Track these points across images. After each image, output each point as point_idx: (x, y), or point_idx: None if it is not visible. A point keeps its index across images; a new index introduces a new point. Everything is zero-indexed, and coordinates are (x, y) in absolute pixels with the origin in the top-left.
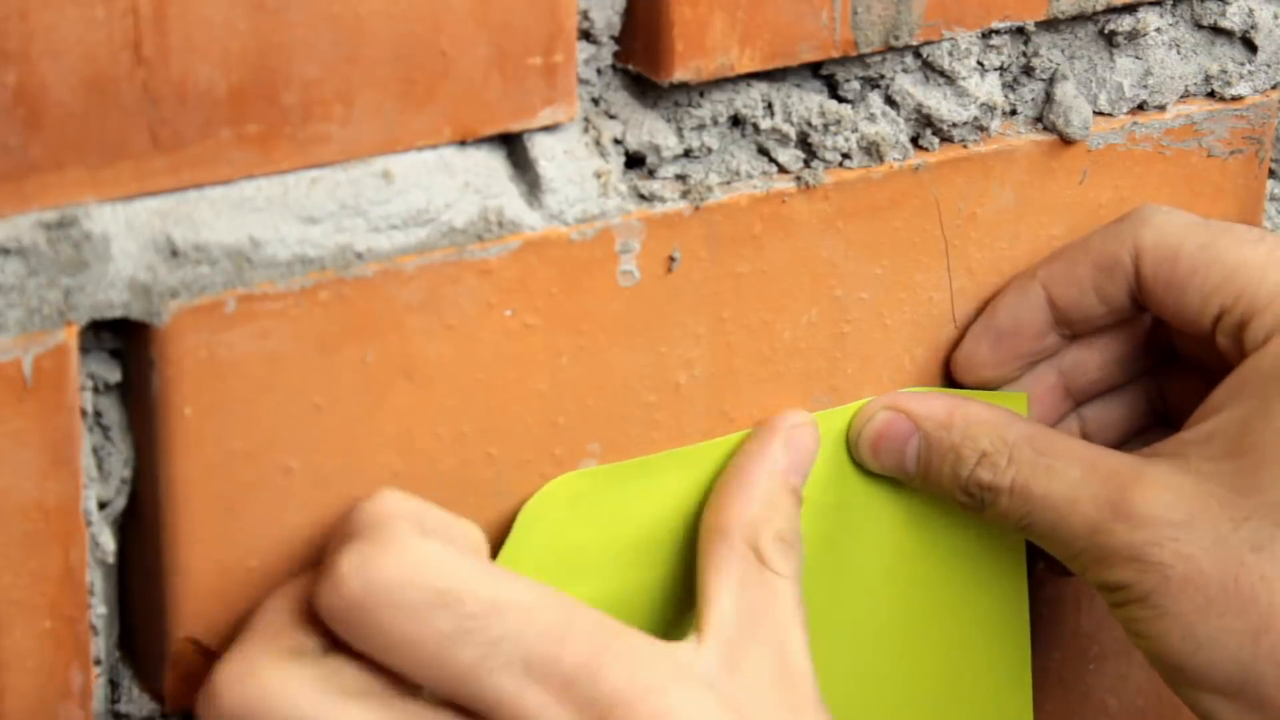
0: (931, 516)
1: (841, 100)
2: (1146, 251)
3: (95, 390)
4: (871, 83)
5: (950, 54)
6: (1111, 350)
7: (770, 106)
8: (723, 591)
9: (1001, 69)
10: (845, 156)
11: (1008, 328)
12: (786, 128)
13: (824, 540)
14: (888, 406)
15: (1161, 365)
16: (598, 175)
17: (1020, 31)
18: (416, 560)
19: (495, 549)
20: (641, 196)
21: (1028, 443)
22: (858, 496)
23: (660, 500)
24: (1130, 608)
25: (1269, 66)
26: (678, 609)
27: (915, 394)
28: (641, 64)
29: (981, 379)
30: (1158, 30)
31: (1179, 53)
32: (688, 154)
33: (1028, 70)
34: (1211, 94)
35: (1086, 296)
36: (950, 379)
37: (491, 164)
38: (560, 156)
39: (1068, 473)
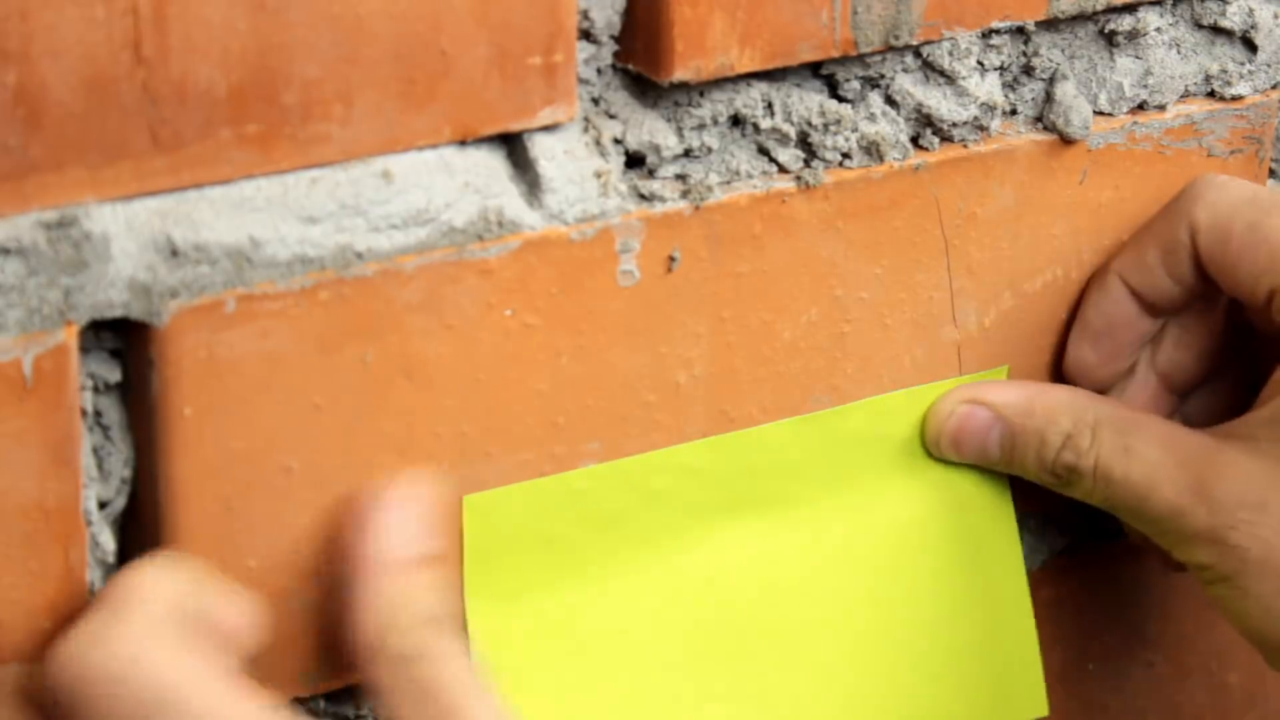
0: (926, 516)
1: (841, 100)
2: (1201, 231)
3: (95, 390)
4: (871, 82)
5: (950, 54)
6: (1201, 336)
7: (770, 106)
8: (401, 710)
9: (1001, 69)
10: (845, 156)
11: (1101, 326)
12: (786, 127)
13: (816, 549)
14: (966, 400)
15: (1248, 344)
16: (598, 175)
17: (1020, 31)
18: (143, 650)
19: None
20: (641, 196)
21: (1108, 423)
22: (852, 499)
23: (624, 508)
24: (1215, 586)
25: (1269, 66)
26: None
27: (990, 384)
28: (641, 64)
29: (1095, 381)
30: (1158, 30)
31: (1179, 52)
32: (688, 154)
33: (1028, 70)
34: (1211, 94)
35: (1161, 279)
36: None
37: (491, 164)
38: (560, 156)
39: (1147, 454)
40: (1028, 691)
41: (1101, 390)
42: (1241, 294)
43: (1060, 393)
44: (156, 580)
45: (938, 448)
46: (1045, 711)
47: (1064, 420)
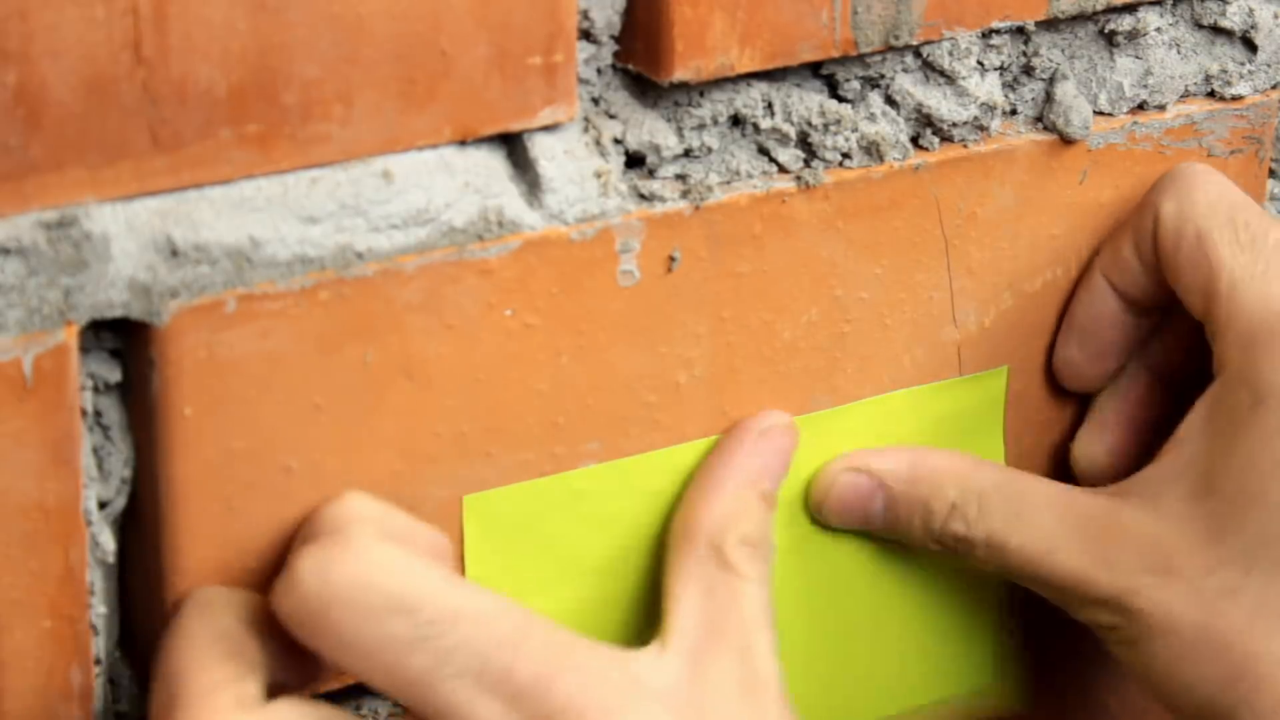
0: None
1: (841, 100)
2: (1161, 222)
3: (95, 390)
4: (871, 82)
5: (950, 54)
6: (1190, 332)
7: (770, 106)
8: (685, 597)
9: (1001, 69)
10: (845, 156)
11: (1086, 324)
12: (786, 127)
13: (806, 536)
14: (848, 468)
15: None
16: (598, 175)
17: (1020, 31)
18: (374, 564)
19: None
20: (641, 196)
21: (996, 491)
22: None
23: (624, 508)
24: (1119, 648)
25: (1269, 66)
26: (645, 615)
27: (874, 451)
28: (641, 64)
29: (1084, 381)
30: (1158, 30)
31: (1179, 52)
32: (688, 154)
33: (1028, 70)
34: (1211, 94)
35: (1137, 273)
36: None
37: (491, 164)
38: (560, 156)
39: (1041, 521)
40: (1005, 684)
41: (1093, 389)
42: (1185, 301)
43: (945, 459)
44: (360, 506)
45: (820, 514)
46: (1020, 706)
47: (949, 489)
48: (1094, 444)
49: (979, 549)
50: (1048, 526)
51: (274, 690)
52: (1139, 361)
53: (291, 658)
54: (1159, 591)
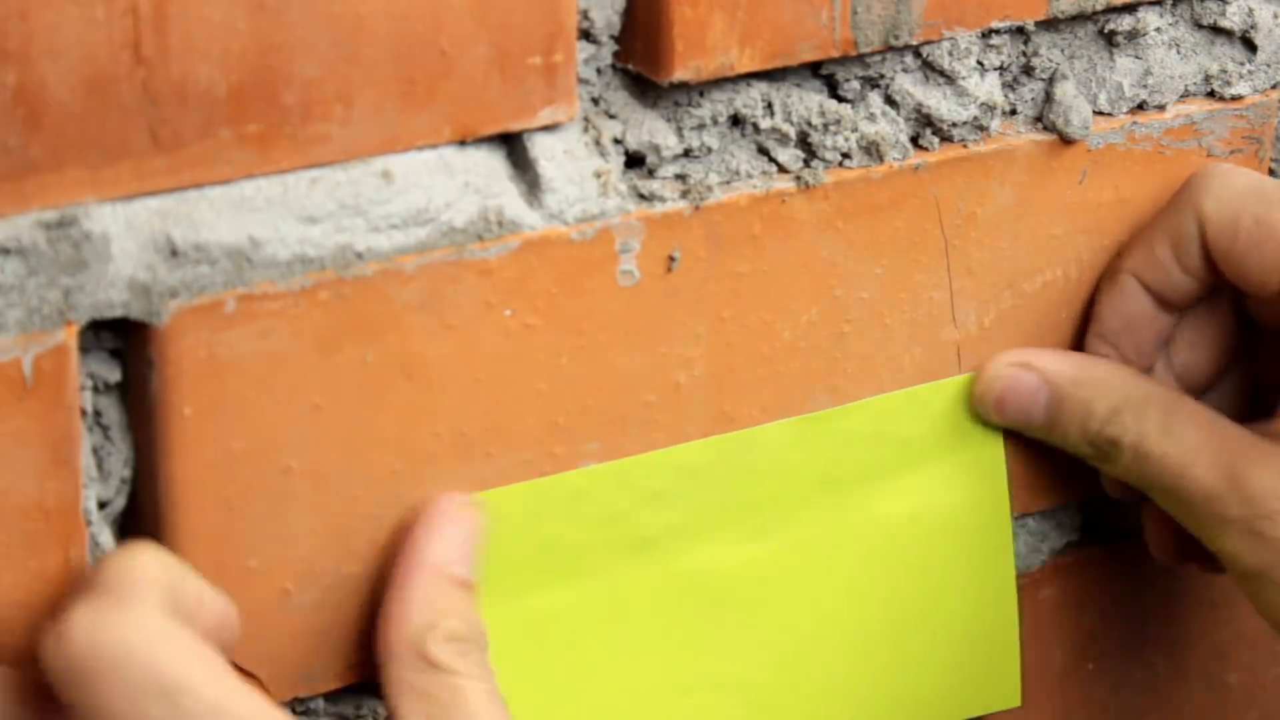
0: (922, 514)
1: (841, 100)
2: (1209, 222)
3: (95, 390)
4: (871, 82)
5: (950, 54)
6: (1211, 333)
7: (770, 106)
8: (412, 712)
9: (1001, 69)
10: (845, 156)
11: (1118, 326)
12: (786, 127)
13: (814, 548)
14: (1015, 363)
15: (1255, 342)
16: (597, 175)
17: (1020, 31)
18: (148, 637)
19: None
20: (641, 196)
21: (1155, 402)
22: (851, 498)
23: (624, 508)
24: (1247, 579)
25: (1269, 66)
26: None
27: (1041, 350)
28: (641, 64)
29: None
30: (1157, 30)
31: (1179, 52)
32: (688, 154)
33: (1028, 70)
34: (1211, 94)
35: (1174, 274)
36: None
37: (491, 164)
38: (560, 156)
39: (1187, 436)
40: (1003, 683)
41: None
42: (1251, 288)
43: (1110, 367)
44: (152, 566)
45: (982, 407)
46: (1018, 703)
47: (1113, 394)
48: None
49: (1126, 454)
50: (1192, 442)
51: None
52: (1164, 365)
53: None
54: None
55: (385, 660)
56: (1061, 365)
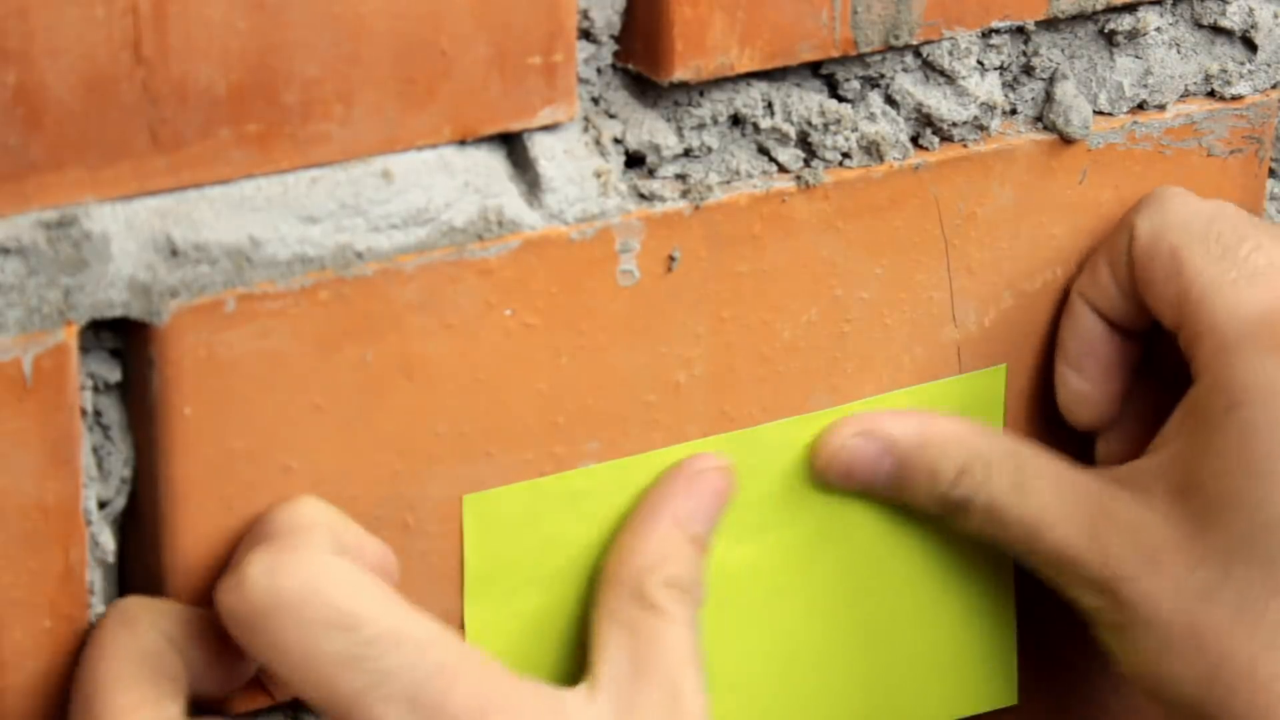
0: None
1: (841, 100)
2: (1135, 243)
3: (95, 390)
4: (871, 82)
5: (950, 53)
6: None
7: (770, 106)
8: (611, 639)
9: (1001, 68)
10: (845, 156)
11: (1077, 350)
12: (786, 127)
13: (813, 547)
14: (858, 433)
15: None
16: (598, 175)
17: (1020, 31)
18: (322, 575)
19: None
20: (641, 196)
21: (1002, 459)
22: (851, 498)
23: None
24: (1104, 631)
25: (1269, 66)
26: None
27: (883, 413)
28: (641, 63)
29: (1096, 412)
30: (1158, 30)
31: (1179, 52)
32: (688, 153)
33: (1028, 70)
34: (1211, 93)
35: (1115, 297)
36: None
37: (491, 163)
38: (560, 156)
39: (1041, 493)
40: (1000, 681)
41: (1107, 423)
42: (1158, 315)
43: (953, 424)
44: (316, 513)
45: (824, 477)
46: (1015, 700)
47: (957, 452)
48: (1116, 444)
49: (978, 515)
50: (1047, 501)
51: (197, 704)
52: (1144, 378)
53: (217, 669)
54: (1145, 582)
55: (606, 585)
56: (904, 428)
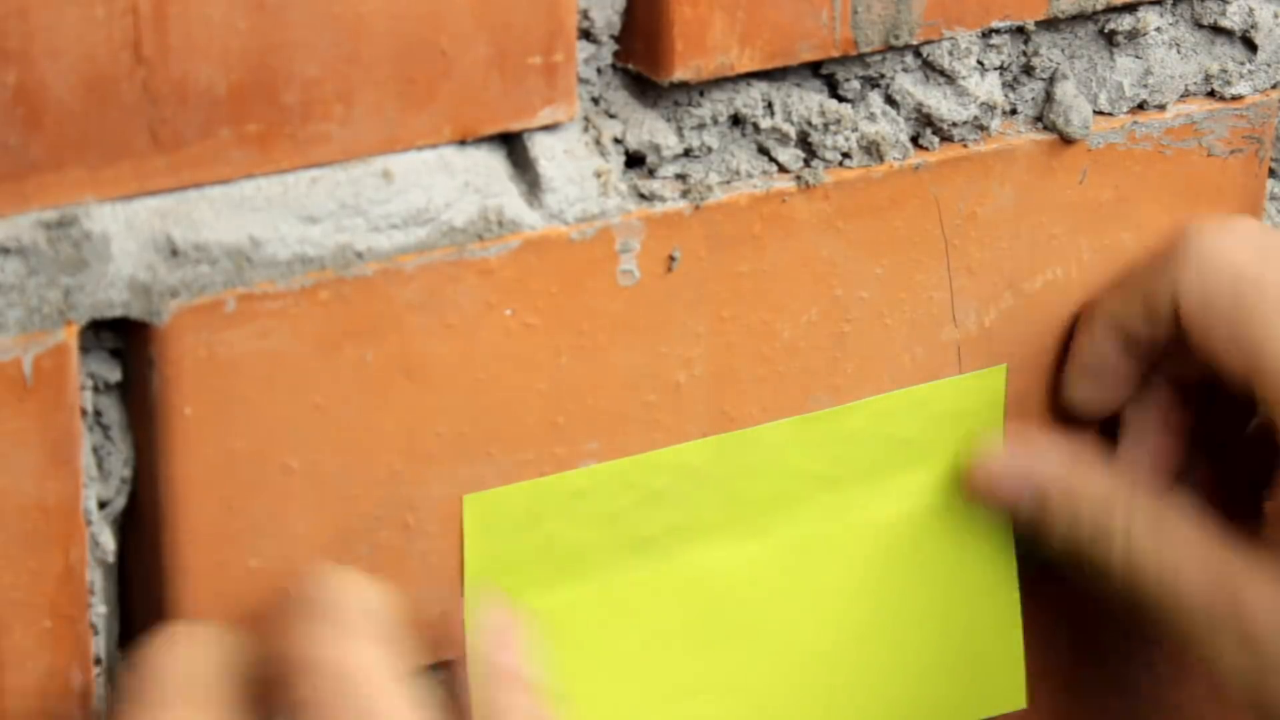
0: (923, 514)
1: (841, 100)
2: (1185, 299)
3: (95, 390)
4: (871, 82)
5: (950, 53)
6: (1181, 417)
7: (770, 106)
8: None
9: (1001, 68)
10: (845, 156)
11: (1095, 363)
12: (786, 127)
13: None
14: (1011, 462)
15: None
16: (598, 175)
17: (1020, 31)
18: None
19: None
20: (641, 196)
21: (1141, 520)
22: (852, 498)
23: (624, 508)
24: (1240, 687)
25: (1269, 66)
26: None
27: (1035, 447)
28: (641, 63)
29: (1101, 411)
30: (1158, 30)
31: (1179, 52)
32: (688, 153)
33: (1028, 70)
34: (1211, 93)
35: (1149, 330)
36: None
37: (491, 163)
38: (560, 156)
39: (1177, 559)
40: (1008, 685)
41: (1110, 414)
42: (1227, 380)
43: (1098, 478)
44: (364, 596)
45: (971, 492)
46: (1024, 704)
47: (1099, 511)
48: (1138, 454)
49: (1115, 570)
50: (1183, 566)
51: None
52: (1161, 373)
53: (264, 700)
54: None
55: None
56: (1054, 471)
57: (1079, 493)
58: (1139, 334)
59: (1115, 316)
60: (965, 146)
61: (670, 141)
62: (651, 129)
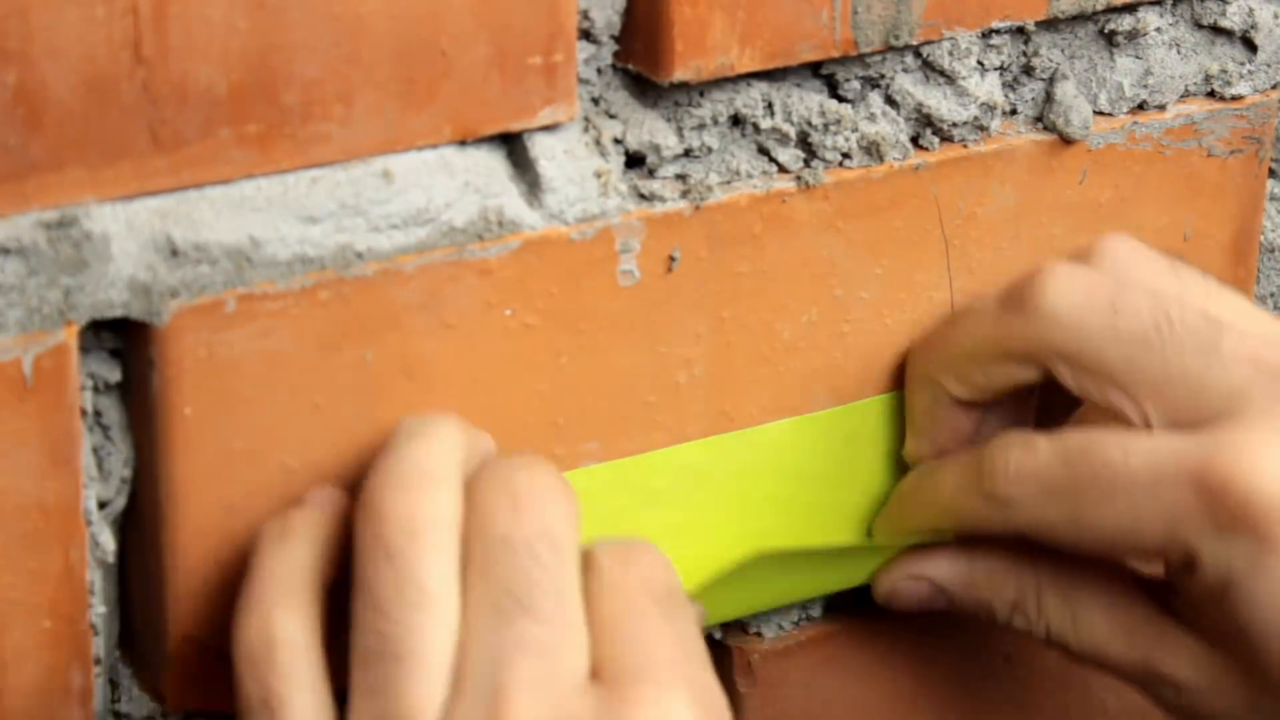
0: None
1: (842, 100)
2: (1060, 357)
3: (95, 390)
4: (871, 82)
5: (950, 54)
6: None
7: (770, 106)
8: None
9: (1001, 69)
10: (845, 156)
11: (929, 427)
12: (786, 127)
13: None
14: (908, 577)
15: None
16: (598, 175)
17: (1020, 31)
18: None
19: None
20: (641, 196)
21: (1052, 589)
22: (851, 498)
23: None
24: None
25: (1269, 66)
26: None
27: (928, 554)
28: (641, 64)
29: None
30: (1158, 30)
31: (1179, 52)
32: (688, 154)
33: (1028, 70)
34: (1211, 93)
35: (990, 383)
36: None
37: (491, 164)
38: (560, 156)
39: (1094, 625)
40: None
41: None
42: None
43: (998, 561)
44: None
45: (881, 600)
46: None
47: (1007, 589)
48: (921, 448)
49: (1044, 638)
50: (1101, 632)
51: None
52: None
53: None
54: (1209, 704)
55: None
56: (950, 571)
57: (982, 584)
58: (982, 387)
59: (954, 383)
60: (965, 147)
61: (670, 142)
62: (651, 129)
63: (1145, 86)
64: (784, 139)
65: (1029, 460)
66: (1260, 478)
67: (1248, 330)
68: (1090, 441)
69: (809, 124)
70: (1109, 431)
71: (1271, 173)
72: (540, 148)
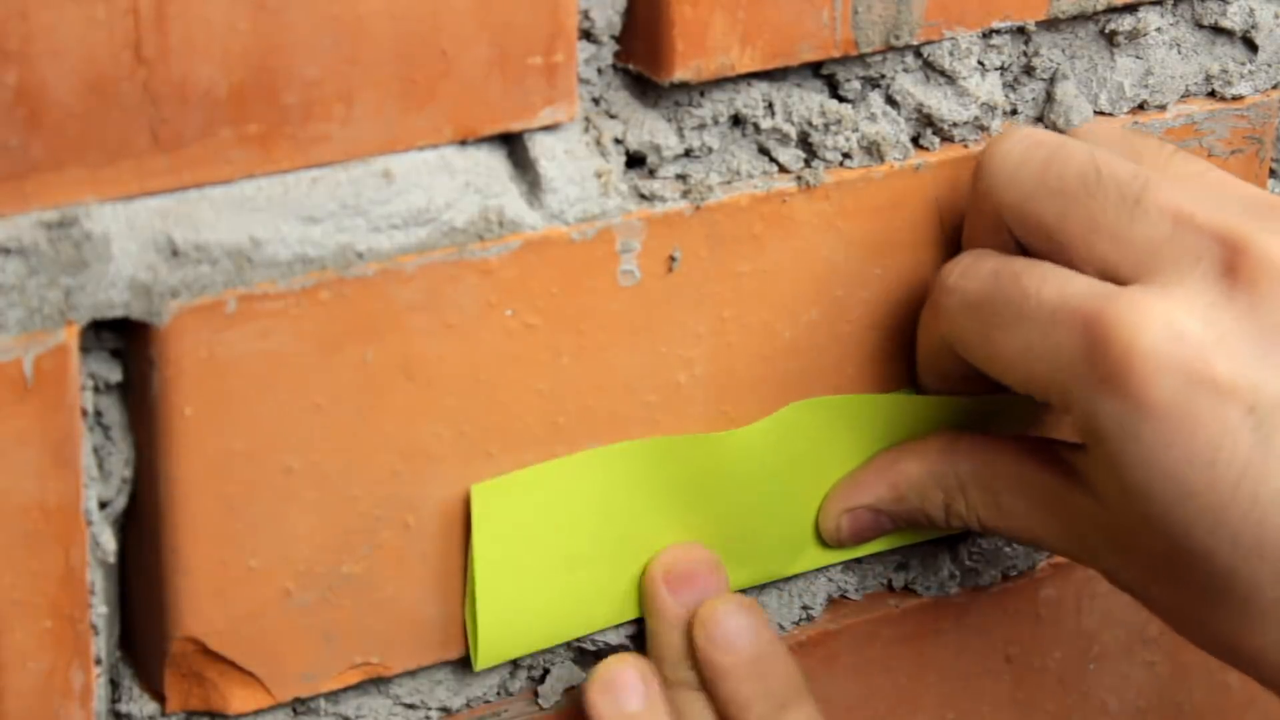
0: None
1: (842, 100)
2: (1008, 213)
3: (96, 390)
4: (872, 82)
5: (951, 54)
6: None
7: (771, 106)
8: None
9: (1002, 69)
10: (846, 156)
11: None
12: (787, 127)
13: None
14: (845, 511)
15: None
16: (598, 175)
17: (1021, 31)
18: None
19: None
20: (642, 196)
21: (973, 483)
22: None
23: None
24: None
25: (1269, 66)
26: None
27: (851, 486)
28: (642, 64)
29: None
30: (1158, 30)
31: (1179, 52)
32: (688, 154)
33: (1028, 70)
34: (1212, 93)
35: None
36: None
37: (492, 164)
38: (561, 156)
39: (1015, 507)
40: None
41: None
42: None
43: (917, 463)
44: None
45: (841, 547)
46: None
47: (935, 494)
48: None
49: (980, 530)
50: (1021, 512)
51: None
52: None
53: None
54: (1126, 570)
55: None
56: (876, 493)
57: (911, 493)
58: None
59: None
60: (966, 147)
61: (671, 142)
62: (652, 129)
63: (1146, 86)
64: (784, 139)
65: (971, 270)
66: (1145, 336)
67: (1177, 186)
68: (1022, 267)
69: (809, 124)
70: (1042, 264)
71: (1272, 173)
72: (541, 148)
